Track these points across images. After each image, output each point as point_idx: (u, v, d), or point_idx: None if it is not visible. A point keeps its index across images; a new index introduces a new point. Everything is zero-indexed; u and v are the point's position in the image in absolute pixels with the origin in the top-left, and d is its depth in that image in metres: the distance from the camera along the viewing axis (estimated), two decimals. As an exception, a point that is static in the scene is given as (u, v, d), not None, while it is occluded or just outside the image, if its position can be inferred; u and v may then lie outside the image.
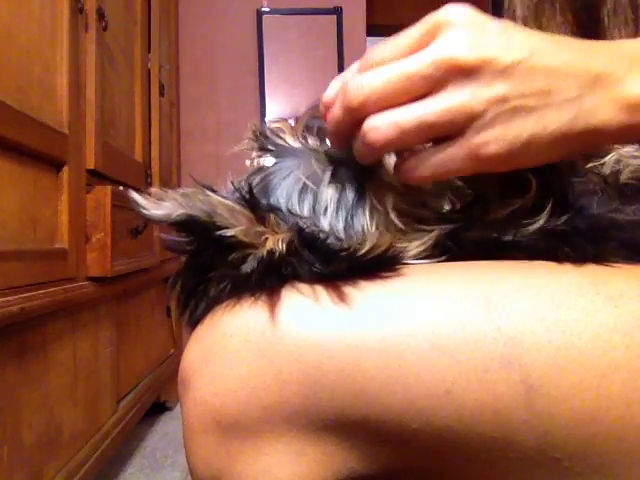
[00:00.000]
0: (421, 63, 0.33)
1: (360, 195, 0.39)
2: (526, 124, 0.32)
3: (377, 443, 0.33)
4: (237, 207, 0.35)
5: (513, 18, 0.49)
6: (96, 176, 1.18)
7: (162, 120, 1.84)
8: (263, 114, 2.33)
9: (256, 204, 0.35)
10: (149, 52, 1.73)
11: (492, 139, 0.32)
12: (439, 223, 0.37)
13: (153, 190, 0.35)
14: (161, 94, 1.84)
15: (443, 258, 0.37)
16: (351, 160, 0.40)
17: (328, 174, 0.40)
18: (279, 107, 2.35)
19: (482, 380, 0.31)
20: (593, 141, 0.33)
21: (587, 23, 0.45)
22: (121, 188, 1.26)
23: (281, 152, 0.42)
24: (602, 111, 0.31)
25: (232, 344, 0.34)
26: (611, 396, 0.30)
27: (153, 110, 1.75)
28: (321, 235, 0.35)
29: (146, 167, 1.65)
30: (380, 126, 0.34)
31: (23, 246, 0.85)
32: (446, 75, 0.32)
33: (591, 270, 0.34)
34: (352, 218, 0.38)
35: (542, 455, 0.31)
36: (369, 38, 2.43)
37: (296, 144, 0.42)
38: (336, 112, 0.36)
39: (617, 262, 0.35)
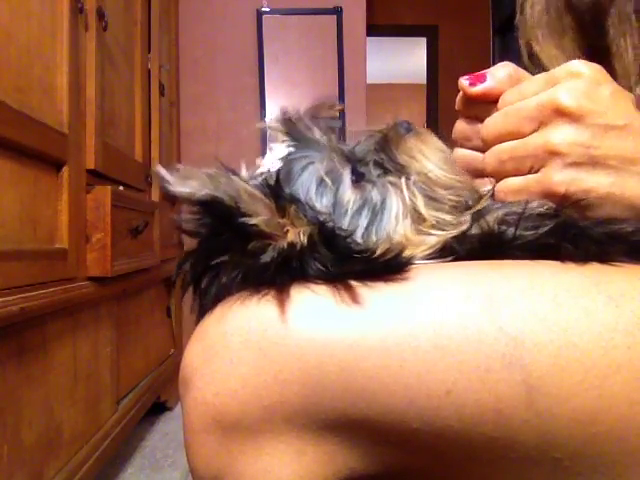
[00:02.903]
0: (529, 105, 0.37)
1: (386, 200, 0.39)
2: (603, 181, 0.35)
3: (378, 443, 0.33)
4: (258, 194, 0.35)
5: (529, 45, 0.51)
6: (96, 176, 1.18)
7: (162, 120, 1.84)
8: (263, 114, 2.32)
9: (279, 193, 0.36)
10: (149, 52, 1.73)
11: (568, 181, 0.35)
12: (452, 227, 0.38)
13: (179, 166, 0.35)
14: (161, 94, 1.84)
15: (450, 259, 0.37)
16: (372, 161, 0.40)
17: (348, 174, 0.40)
18: (279, 107, 2.34)
19: (483, 380, 0.31)
20: None
21: (595, 36, 0.46)
22: (121, 188, 1.26)
23: (304, 142, 0.42)
24: None
25: (233, 343, 0.34)
26: (612, 396, 0.30)
27: (153, 110, 1.75)
28: (342, 233, 0.35)
29: (146, 167, 1.65)
30: (488, 157, 0.40)
31: (23, 246, 0.85)
32: (548, 116, 0.36)
33: (593, 270, 0.34)
34: (377, 222, 0.38)
35: (543, 455, 0.31)
36: (369, 38, 2.43)
37: (320, 137, 0.42)
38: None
39: (621, 262, 0.35)
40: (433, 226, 0.38)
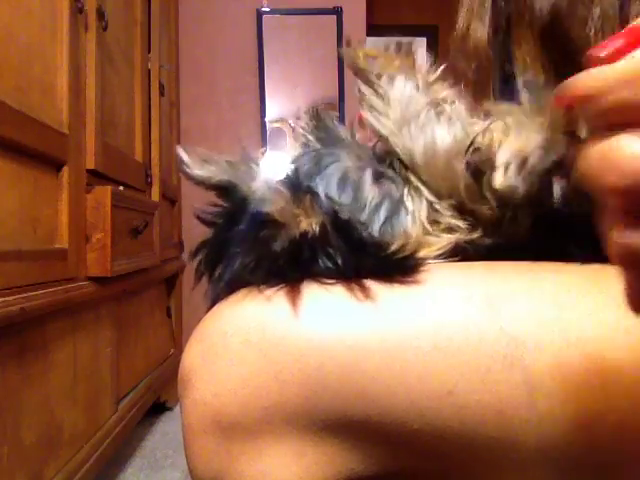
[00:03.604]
0: None
1: (404, 197, 0.39)
2: None
3: (378, 444, 0.33)
4: (275, 184, 0.35)
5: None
6: (96, 176, 1.18)
7: (162, 120, 1.84)
8: (263, 114, 2.32)
9: (296, 185, 0.36)
10: (149, 52, 1.73)
11: None
12: (464, 233, 0.37)
13: (199, 150, 0.36)
14: (161, 94, 1.84)
15: (457, 258, 0.37)
16: (391, 160, 0.40)
17: (370, 172, 0.40)
18: (279, 107, 2.34)
19: (484, 381, 0.31)
20: None
21: (561, 47, 0.45)
22: (121, 188, 1.26)
23: (331, 139, 0.42)
24: None
25: (232, 344, 0.34)
26: (614, 397, 0.30)
27: (153, 110, 1.75)
28: (357, 225, 0.35)
29: (146, 167, 1.65)
30: None
31: (23, 246, 0.85)
32: None
33: (594, 270, 0.34)
34: (396, 217, 0.38)
35: (543, 455, 0.31)
36: (369, 38, 2.43)
37: (345, 136, 0.42)
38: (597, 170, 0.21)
39: None
40: (445, 229, 0.38)
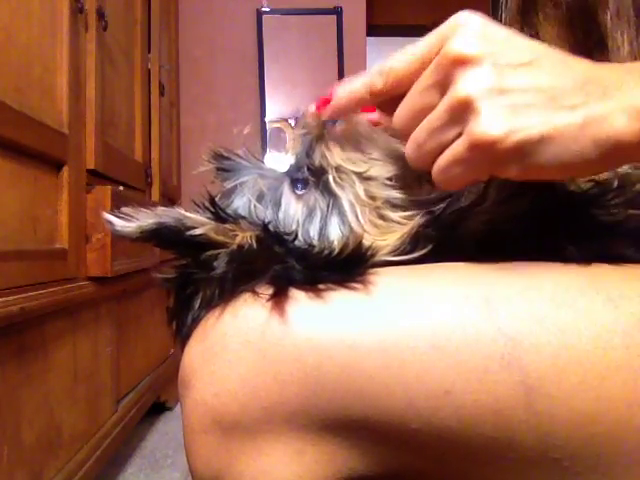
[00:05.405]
0: (426, 72, 0.34)
1: (333, 205, 0.39)
2: (531, 120, 0.30)
3: (377, 443, 0.33)
4: (201, 217, 0.36)
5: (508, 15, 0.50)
6: (96, 176, 1.18)
7: (162, 120, 1.84)
8: (263, 114, 2.33)
9: (220, 213, 0.36)
10: (149, 52, 1.73)
11: (491, 126, 0.30)
12: (417, 208, 0.38)
13: (124, 209, 0.37)
14: (161, 94, 1.84)
15: (429, 247, 0.37)
16: (306, 166, 0.41)
17: (288, 185, 0.41)
18: (279, 107, 2.35)
19: (482, 381, 0.31)
20: (612, 153, 0.30)
21: (585, 28, 0.45)
22: (121, 188, 1.26)
23: (234, 171, 0.43)
24: (614, 119, 0.29)
25: (232, 344, 0.34)
26: (611, 397, 0.30)
27: (153, 110, 1.75)
28: (286, 237, 0.36)
29: (146, 167, 1.65)
30: (408, 148, 0.36)
31: (23, 246, 0.85)
32: (450, 73, 0.32)
33: (591, 270, 0.34)
34: (326, 227, 0.39)
35: (542, 455, 0.31)
36: (369, 38, 2.43)
37: (246, 163, 0.43)
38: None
39: (625, 256, 0.35)
40: (387, 203, 0.38)
